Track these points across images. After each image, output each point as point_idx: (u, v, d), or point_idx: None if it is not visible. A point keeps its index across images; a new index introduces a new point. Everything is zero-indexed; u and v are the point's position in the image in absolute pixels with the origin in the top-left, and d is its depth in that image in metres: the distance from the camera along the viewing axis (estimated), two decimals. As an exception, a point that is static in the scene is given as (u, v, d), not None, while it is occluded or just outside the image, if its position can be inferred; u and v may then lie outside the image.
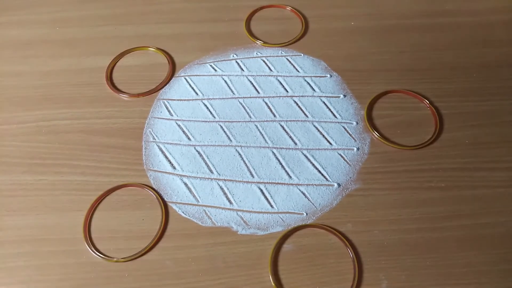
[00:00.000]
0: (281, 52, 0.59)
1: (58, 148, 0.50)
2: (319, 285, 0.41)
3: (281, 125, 0.52)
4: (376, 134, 0.50)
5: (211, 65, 0.58)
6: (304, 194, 0.46)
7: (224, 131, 0.51)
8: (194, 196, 0.46)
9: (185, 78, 0.56)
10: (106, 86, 0.55)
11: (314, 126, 0.51)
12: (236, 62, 0.58)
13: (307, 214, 0.45)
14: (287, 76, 0.56)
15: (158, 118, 0.53)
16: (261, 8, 0.64)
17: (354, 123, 0.52)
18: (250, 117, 0.52)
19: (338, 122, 0.52)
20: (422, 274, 0.41)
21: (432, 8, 0.64)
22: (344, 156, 0.49)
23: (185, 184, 0.47)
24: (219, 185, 0.47)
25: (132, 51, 0.59)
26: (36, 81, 0.56)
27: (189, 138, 0.51)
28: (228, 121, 0.52)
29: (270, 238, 0.44)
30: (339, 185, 0.47)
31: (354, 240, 0.43)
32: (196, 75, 0.57)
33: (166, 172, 0.48)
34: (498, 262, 0.42)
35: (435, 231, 0.43)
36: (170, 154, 0.50)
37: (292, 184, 0.47)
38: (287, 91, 0.55)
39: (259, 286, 0.41)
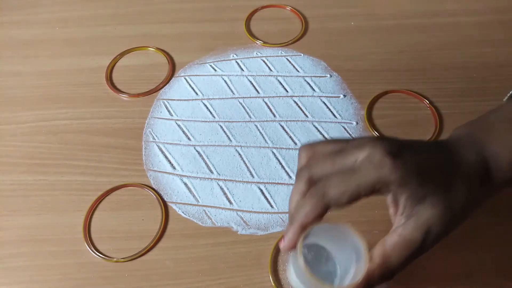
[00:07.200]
0: (281, 52, 0.59)
1: (58, 148, 0.50)
2: (319, 285, 0.41)
3: (281, 125, 0.52)
4: (376, 134, 0.50)
5: (211, 65, 0.57)
6: (304, 194, 0.46)
7: (224, 131, 0.51)
8: (194, 196, 0.46)
9: (185, 78, 0.56)
10: (106, 86, 0.55)
11: (314, 126, 0.51)
12: (236, 62, 0.58)
13: (307, 214, 0.45)
14: (287, 76, 0.56)
15: (158, 118, 0.53)
16: (261, 8, 0.64)
17: (354, 123, 0.52)
18: (250, 117, 0.52)
19: (338, 122, 0.52)
20: (422, 274, 0.41)
21: (432, 8, 0.64)
22: (344, 156, 0.49)
23: (185, 184, 0.47)
24: (219, 185, 0.47)
25: (132, 51, 0.59)
26: (36, 81, 0.56)
27: (189, 138, 0.51)
28: (228, 121, 0.52)
29: (270, 238, 0.43)
30: (339, 185, 0.47)
31: (354, 240, 0.43)
32: (196, 75, 0.57)
33: (166, 172, 0.48)
34: (498, 262, 0.42)
35: (435, 231, 0.43)
36: (170, 154, 0.50)
37: (292, 184, 0.47)
38: (287, 91, 0.55)
39: (259, 286, 0.41)
